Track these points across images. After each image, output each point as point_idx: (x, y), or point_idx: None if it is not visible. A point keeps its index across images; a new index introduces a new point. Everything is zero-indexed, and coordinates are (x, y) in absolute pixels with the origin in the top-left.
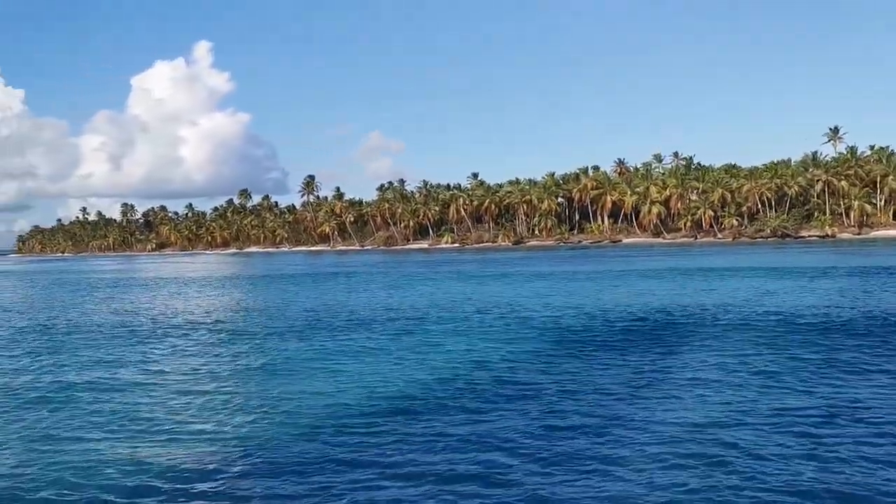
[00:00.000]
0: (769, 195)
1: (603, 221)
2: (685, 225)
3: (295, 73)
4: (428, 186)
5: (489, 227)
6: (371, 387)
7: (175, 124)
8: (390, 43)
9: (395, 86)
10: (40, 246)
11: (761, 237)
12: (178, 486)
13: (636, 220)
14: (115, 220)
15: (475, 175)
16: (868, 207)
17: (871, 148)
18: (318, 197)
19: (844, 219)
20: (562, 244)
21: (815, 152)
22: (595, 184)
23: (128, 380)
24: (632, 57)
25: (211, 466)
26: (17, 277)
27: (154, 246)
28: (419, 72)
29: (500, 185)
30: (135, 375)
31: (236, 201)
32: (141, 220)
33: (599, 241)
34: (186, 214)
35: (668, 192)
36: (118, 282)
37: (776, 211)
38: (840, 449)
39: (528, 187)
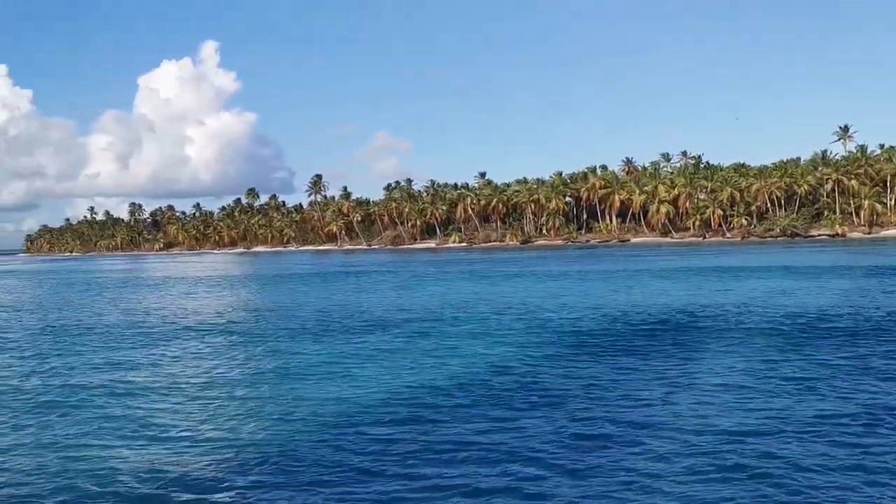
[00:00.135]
0: (779, 194)
1: (611, 221)
2: (694, 224)
3: (301, 73)
4: (435, 186)
5: (497, 226)
6: (389, 391)
7: (182, 124)
8: (396, 43)
9: (401, 85)
10: (48, 245)
11: (771, 236)
12: (192, 494)
13: (644, 219)
14: (122, 220)
15: (482, 174)
16: (878, 207)
17: (882, 147)
18: (325, 196)
19: (854, 218)
20: (570, 244)
21: (825, 151)
22: (603, 183)
23: (142, 383)
24: (637, 56)
25: (226, 474)
26: (28, 277)
27: (162, 245)
28: (425, 71)
29: (508, 185)
30: (149, 378)
31: (244, 201)
32: (148, 220)
33: (607, 241)
34: (194, 214)
35: (676, 192)
36: (128, 281)
37: (786, 210)
38: (888, 459)
39: (535, 186)
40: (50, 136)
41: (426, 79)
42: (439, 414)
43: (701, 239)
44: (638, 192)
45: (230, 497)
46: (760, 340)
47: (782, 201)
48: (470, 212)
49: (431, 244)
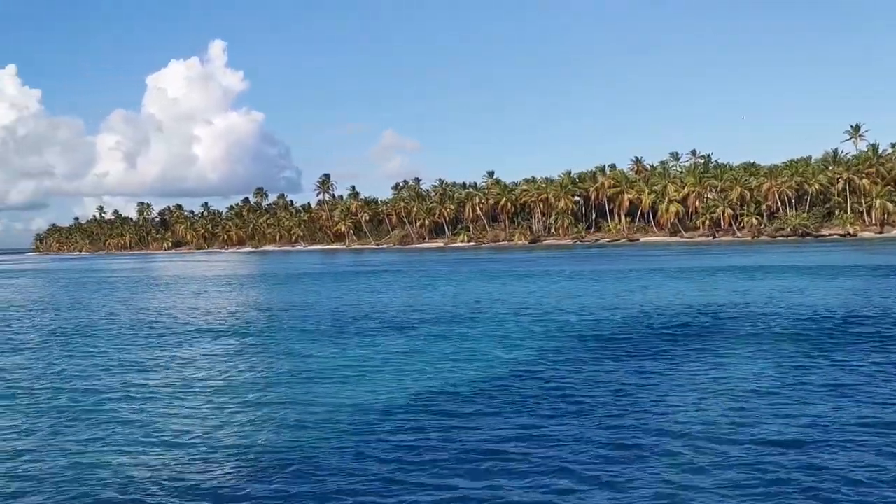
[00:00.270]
0: (789, 193)
1: (620, 220)
2: (703, 224)
3: (308, 72)
4: (443, 185)
5: (505, 225)
6: (409, 396)
7: (190, 123)
8: (403, 42)
9: (408, 84)
10: (58, 245)
11: (781, 236)
12: (211, 503)
13: (654, 218)
14: (131, 219)
15: (491, 173)
16: (890, 206)
17: (893, 146)
18: (333, 196)
19: (865, 217)
20: (578, 243)
21: (836, 150)
22: (612, 182)
23: (157, 386)
24: (645, 55)
25: (246, 482)
26: (39, 277)
27: (170, 244)
28: (432, 70)
29: (517, 184)
30: (164, 381)
31: (252, 200)
32: (157, 219)
33: (616, 240)
34: (202, 213)
35: (686, 191)
36: (139, 281)
37: (796, 209)
38: None
39: (544, 186)
40: (58, 135)
41: (433, 78)
42: (462, 421)
43: (711, 238)
44: (647, 191)
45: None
46: (788, 344)
47: (793, 200)
48: (478, 211)
49: (440, 243)
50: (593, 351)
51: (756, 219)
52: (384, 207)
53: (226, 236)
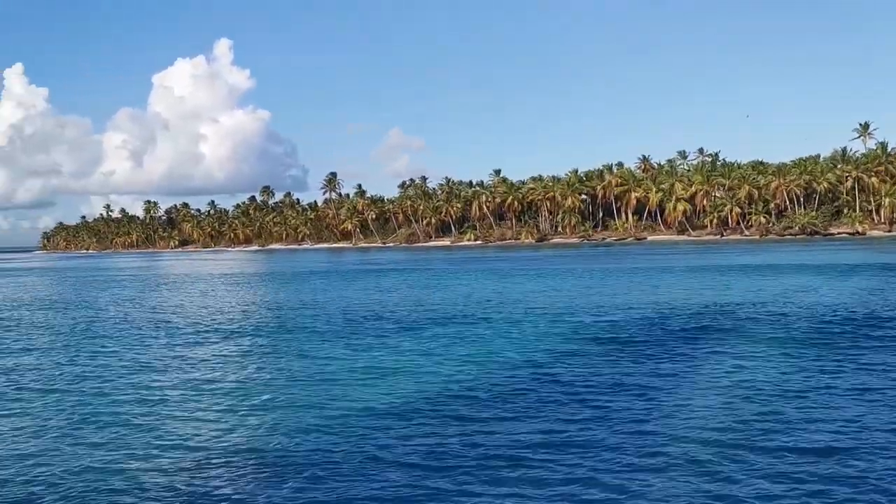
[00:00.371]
0: (798, 192)
1: (627, 219)
2: (711, 222)
3: (314, 70)
4: (450, 183)
5: (512, 224)
6: (428, 399)
7: (196, 122)
8: (409, 40)
9: (413, 82)
10: (65, 243)
11: (789, 234)
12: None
13: (661, 217)
14: (138, 218)
15: (497, 172)
16: None
17: None
18: (339, 194)
19: (874, 216)
20: (585, 242)
21: (845, 148)
22: (619, 180)
23: (170, 387)
24: (652, 54)
25: (265, 488)
26: (47, 275)
27: (177, 243)
28: (437, 68)
29: (523, 182)
30: (177, 383)
31: (259, 198)
32: (163, 218)
33: (623, 239)
34: (209, 212)
35: (693, 189)
36: (148, 279)
37: (805, 208)
38: None
39: (551, 184)
40: (65, 134)
41: (438, 76)
42: (482, 425)
43: (718, 237)
44: (654, 189)
45: None
46: (810, 345)
47: (801, 199)
48: (485, 209)
49: (446, 242)
50: (611, 353)
51: (764, 217)
52: (390, 206)
53: (232, 235)
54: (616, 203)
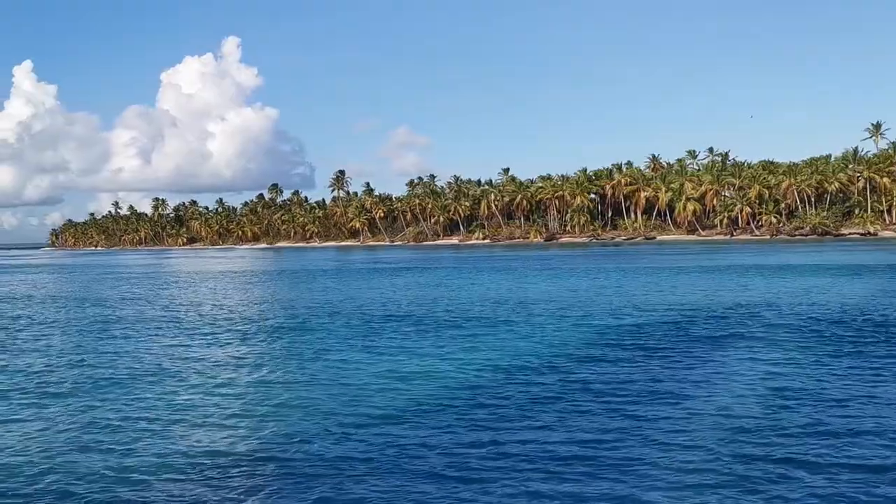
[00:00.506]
0: (809, 192)
1: (636, 218)
2: (721, 222)
3: (321, 68)
4: (458, 182)
5: (520, 223)
6: (458, 407)
7: (204, 119)
8: (417, 38)
9: (421, 81)
10: (73, 240)
11: (800, 235)
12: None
13: (670, 216)
14: (146, 215)
15: (506, 170)
16: None
17: None
18: (347, 192)
19: (886, 216)
20: (594, 241)
21: (856, 148)
22: (629, 179)
23: (187, 388)
24: (661, 52)
25: (278, 490)
26: (57, 272)
27: (185, 240)
28: (443, 67)
29: (532, 181)
30: (195, 384)
31: (267, 196)
32: (171, 215)
33: (633, 238)
34: (217, 209)
35: (703, 189)
36: (159, 277)
37: (816, 208)
38: None
39: (560, 183)
40: (74, 131)
41: (445, 75)
42: (515, 434)
43: (728, 237)
44: (664, 189)
45: None
46: (844, 353)
47: (812, 199)
48: (494, 208)
49: (455, 240)
50: (639, 358)
51: (775, 217)
52: (399, 204)
53: (240, 232)
54: (625, 202)
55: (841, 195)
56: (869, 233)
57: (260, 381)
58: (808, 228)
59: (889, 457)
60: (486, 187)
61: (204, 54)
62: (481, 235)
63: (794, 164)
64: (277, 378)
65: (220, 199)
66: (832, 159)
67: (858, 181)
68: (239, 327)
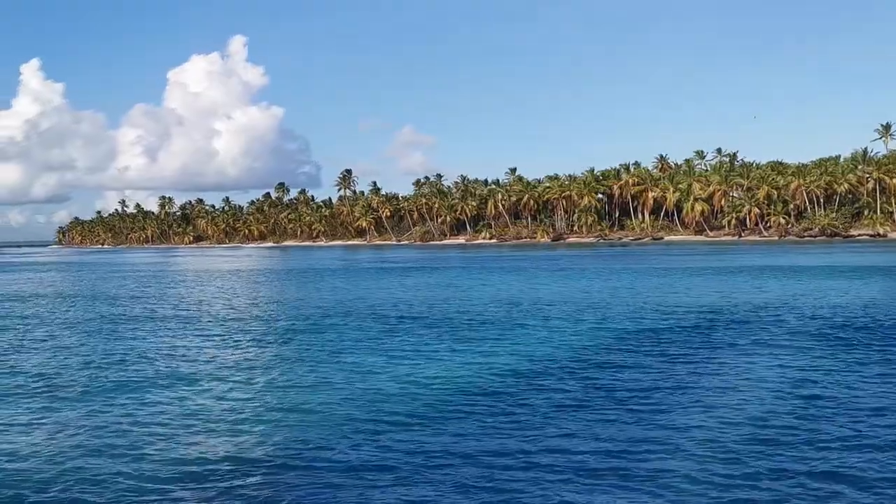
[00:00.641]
0: (817, 193)
1: (644, 218)
2: (729, 223)
3: (327, 68)
4: (465, 181)
5: (527, 223)
6: (478, 413)
7: (210, 118)
8: (422, 37)
9: (427, 80)
10: (80, 238)
11: (809, 236)
12: None
13: (678, 217)
14: (153, 213)
15: (513, 170)
16: None
17: None
18: (354, 191)
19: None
20: (602, 241)
21: (866, 149)
22: (636, 180)
23: (200, 392)
24: (668, 53)
25: (291, 494)
26: (64, 270)
27: (191, 239)
28: (449, 66)
29: (539, 181)
30: (207, 387)
31: (273, 195)
32: (178, 213)
33: (640, 238)
34: (223, 208)
35: (711, 189)
36: (167, 276)
37: (824, 209)
38: None
39: (567, 183)
40: (81, 129)
41: (450, 74)
42: (540, 443)
43: (736, 238)
44: (672, 189)
45: None
46: (874, 360)
47: (821, 200)
48: (500, 208)
49: (461, 240)
50: (663, 364)
51: (783, 218)
52: (405, 203)
53: (247, 231)
54: (633, 202)
55: (850, 196)
56: (878, 234)
57: (274, 384)
58: (817, 230)
59: None
60: (493, 187)
61: (211, 53)
62: (488, 235)
63: (802, 164)
64: (291, 381)
65: (227, 198)
66: (841, 160)
67: (868, 182)
68: (249, 328)
